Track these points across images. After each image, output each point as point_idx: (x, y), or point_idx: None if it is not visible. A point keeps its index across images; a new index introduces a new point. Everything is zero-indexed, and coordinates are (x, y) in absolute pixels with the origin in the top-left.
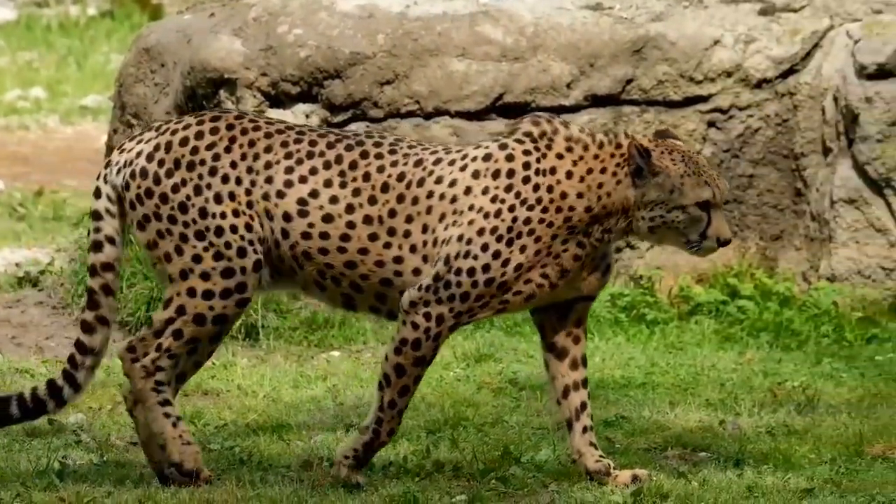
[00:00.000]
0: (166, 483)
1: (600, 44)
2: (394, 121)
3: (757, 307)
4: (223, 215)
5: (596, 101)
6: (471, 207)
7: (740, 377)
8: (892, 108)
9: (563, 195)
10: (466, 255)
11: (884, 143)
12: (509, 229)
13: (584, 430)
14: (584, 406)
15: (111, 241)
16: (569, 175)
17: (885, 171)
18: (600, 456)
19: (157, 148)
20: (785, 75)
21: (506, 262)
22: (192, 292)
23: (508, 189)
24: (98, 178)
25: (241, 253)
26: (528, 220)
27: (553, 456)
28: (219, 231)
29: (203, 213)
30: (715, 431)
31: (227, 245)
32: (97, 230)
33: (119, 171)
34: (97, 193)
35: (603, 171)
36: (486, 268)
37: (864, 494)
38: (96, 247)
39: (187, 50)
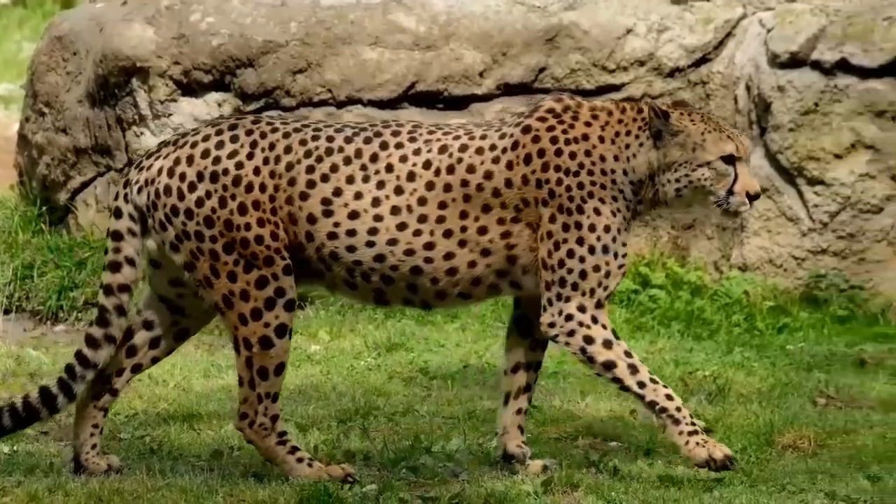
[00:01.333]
0: None
1: (513, 32)
2: (306, 109)
3: (668, 296)
4: (248, 226)
5: (508, 89)
6: (524, 202)
7: (652, 366)
8: (804, 97)
9: (602, 158)
10: (556, 246)
11: (796, 132)
12: (570, 199)
13: (519, 411)
14: (528, 388)
15: (130, 262)
16: (601, 139)
17: (797, 160)
18: (523, 442)
19: (177, 162)
20: (697, 64)
21: (592, 228)
22: (243, 319)
23: (545, 168)
24: (117, 198)
25: (269, 262)
26: (581, 185)
27: (464, 445)
28: (245, 243)
29: (229, 225)
30: (626, 421)
31: (255, 256)
32: (116, 250)
33: (140, 189)
34: (118, 213)
35: (628, 133)
36: (580, 241)
37: (775, 484)
38: (114, 267)
39: (99, 38)
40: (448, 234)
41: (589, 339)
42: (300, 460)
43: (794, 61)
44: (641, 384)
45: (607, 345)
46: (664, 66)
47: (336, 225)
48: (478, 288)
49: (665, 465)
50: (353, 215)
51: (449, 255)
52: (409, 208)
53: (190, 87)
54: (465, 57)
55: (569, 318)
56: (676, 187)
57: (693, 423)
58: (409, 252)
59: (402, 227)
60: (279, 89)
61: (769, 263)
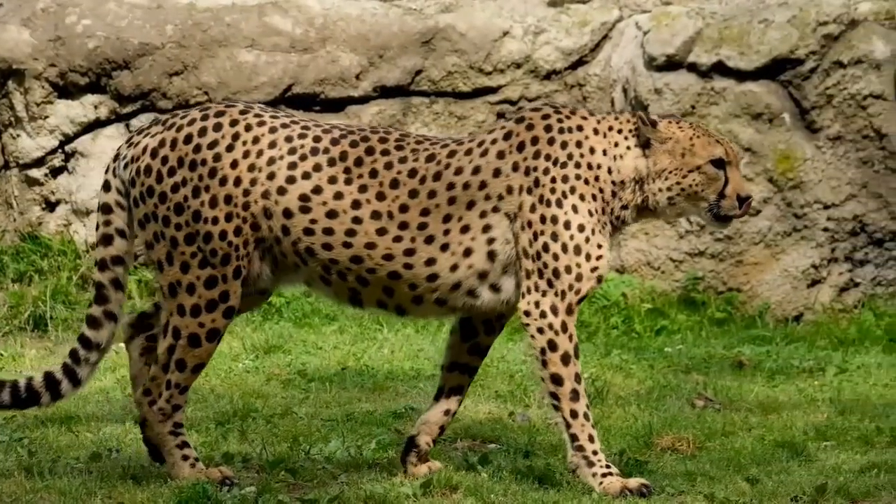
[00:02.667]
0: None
1: (389, 35)
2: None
3: None
4: (215, 220)
5: (385, 92)
6: (508, 190)
7: (530, 369)
8: (681, 100)
9: (592, 150)
10: (535, 237)
11: None
12: (552, 191)
13: (447, 412)
14: (459, 390)
15: (121, 234)
16: (595, 132)
17: None
18: (433, 441)
19: (161, 144)
20: (574, 67)
21: (567, 225)
22: (181, 310)
23: (536, 155)
24: (107, 171)
25: (226, 260)
26: (565, 178)
27: (342, 447)
28: (208, 237)
29: (197, 216)
30: (504, 423)
31: (213, 252)
32: (107, 223)
33: (126, 165)
34: (106, 186)
35: (619, 131)
36: (554, 236)
37: (654, 486)
38: (106, 240)
39: None
40: (430, 239)
41: (552, 346)
42: (185, 458)
43: (671, 64)
44: (574, 413)
45: (565, 359)
46: (541, 68)
47: (313, 222)
48: (456, 293)
49: (544, 467)
50: (332, 214)
51: (430, 261)
52: (391, 214)
53: (66, 90)
54: (342, 59)
55: (543, 315)
56: (668, 195)
57: (608, 467)
58: (388, 257)
59: (381, 231)
60: (155, 91)
61: (647, 266)
